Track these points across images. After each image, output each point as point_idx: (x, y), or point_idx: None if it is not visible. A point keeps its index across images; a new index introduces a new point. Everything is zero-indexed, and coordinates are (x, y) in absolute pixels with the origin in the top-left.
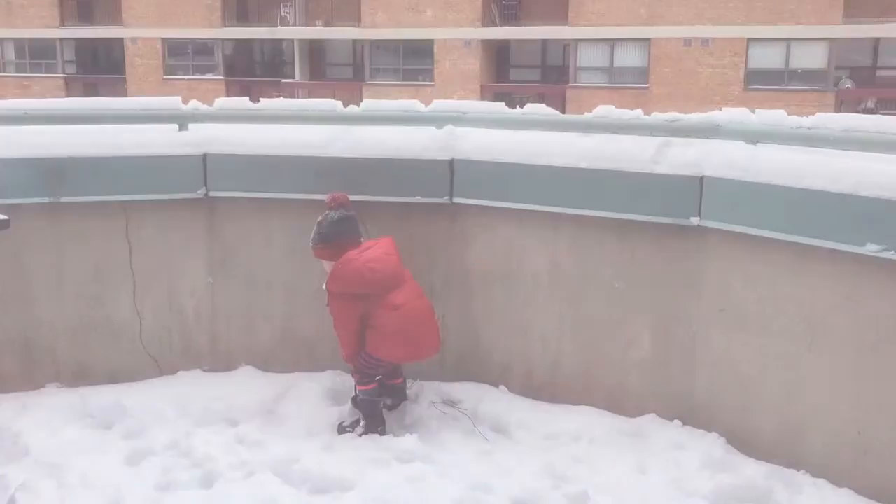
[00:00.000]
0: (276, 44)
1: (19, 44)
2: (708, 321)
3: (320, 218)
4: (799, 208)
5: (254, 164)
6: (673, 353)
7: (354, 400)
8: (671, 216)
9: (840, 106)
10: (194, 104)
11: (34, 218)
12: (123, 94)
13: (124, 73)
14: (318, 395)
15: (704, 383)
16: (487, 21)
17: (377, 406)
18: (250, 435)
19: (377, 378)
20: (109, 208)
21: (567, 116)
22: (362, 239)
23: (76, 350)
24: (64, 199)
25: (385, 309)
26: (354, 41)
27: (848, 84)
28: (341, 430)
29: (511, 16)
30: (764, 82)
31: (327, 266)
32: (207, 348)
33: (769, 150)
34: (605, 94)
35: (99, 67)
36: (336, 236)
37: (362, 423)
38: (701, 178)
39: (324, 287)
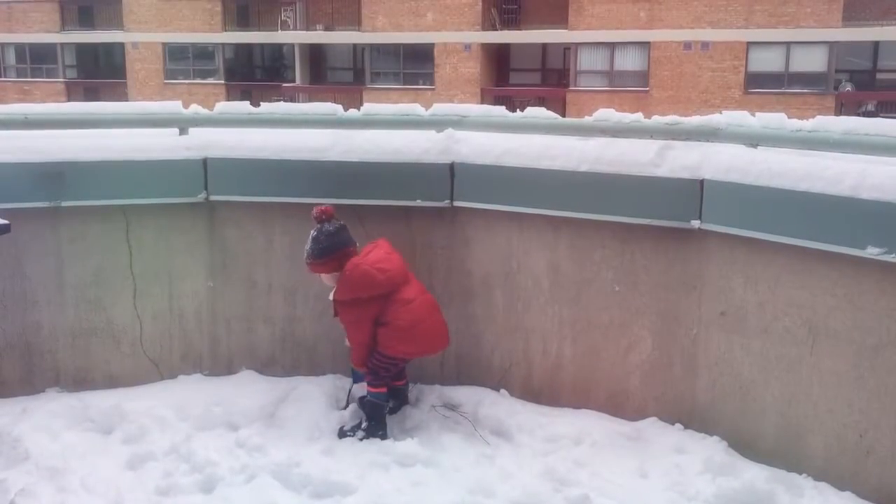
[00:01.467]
0: (277, 48)
1: (20, 48)
2: (708, 324)
3: (314, 233)
4: (799, 211)
5: (254, 169)
6: (674, 356)
7: (361, 401)
8: (672, 219)
9: (840, 109)
10: (195, 108)
11: (35, 222)
12: (124, 98)
13: (125, 78)
14: (319, 398)
15: (705, 386)
16: (487, 25)
17: (383, 410)
18: (251, 439)
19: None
20: (110, 212)
21: (567, 120)
22: (357, 245)
23: (76, 354)
24: (64, 204)
25: (397, 305)
26: (355, 45)
27: (848, 87)
28: (342, 434)
29: (511, 19)
30: (764, 85)
31: (327, 279)
32: (208, 352)
33: (769, 153)
34: (605, 98)
35: (100, 72)
36: (337, 247)
37: (364, 425)
38: (701, 182)
39: (330, 298)
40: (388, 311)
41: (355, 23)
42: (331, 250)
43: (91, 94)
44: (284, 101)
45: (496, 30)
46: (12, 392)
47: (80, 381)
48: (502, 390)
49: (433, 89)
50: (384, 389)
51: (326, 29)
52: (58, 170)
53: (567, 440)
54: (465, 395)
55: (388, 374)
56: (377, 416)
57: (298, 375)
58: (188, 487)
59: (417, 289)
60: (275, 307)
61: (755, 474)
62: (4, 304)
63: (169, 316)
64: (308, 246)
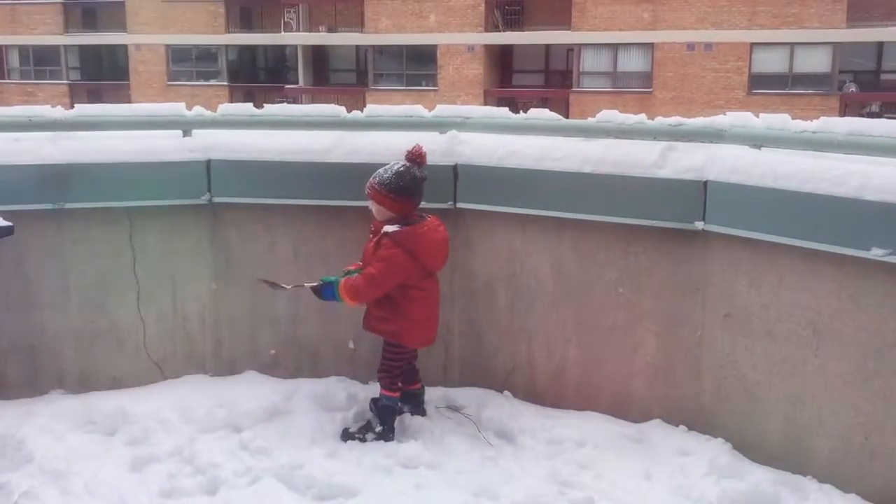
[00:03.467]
0: (280, 49)
1: (24, 50)
2: (713, 326)
3: (401, 168)
4: (803, 212)
5: (257, 170)
6: (678, 358)
7: (374, 402)
8: (675, 221)
9: (844, 110)
10: (198, 110)
11: (38, 224)
12: (127, 100)
13: (128, 80)
14: (322, 400)
15: (710, 388)
16: (490, 26)
17: (394, 415)
18: (254, 441)
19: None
20: (113, 214)
21: (570, 121)
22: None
23: (80, 356)
24: (68, 206)
25: (421, 291)
26: (358, 47)
27: (852, 88)
28: (346, 436)
29: (514, 21)
30: (768, 86)
31: (375, 210)
32: (211, 354)
33: (773, 154)
34: (608, 99)
35: (103, 74)
36: (410, 194)
37: (377, 429)
38: (705, 183)
39: (385, 230)
40: (412, 294)
41: (358, 24)
42: (403, 192)
43: (94, 97)
44: (288, 102)
45: (499, 31)
46: (16, 394)
47: (83, 383)
48: (506, 392)
49: (436, 91)
50: (398, 394)
51: (329, 30)
52: (61, 172)
53: (571, 442)
54: (468, 396)
55: (398, 371)
56: (388, 419)
57: (301, 377)
58: (191, 490)
59: (436, 284)
60: (278, 309)
61: (760, 476)
62: (8, 306)
63: (172, 318)
64: (386, 174)
